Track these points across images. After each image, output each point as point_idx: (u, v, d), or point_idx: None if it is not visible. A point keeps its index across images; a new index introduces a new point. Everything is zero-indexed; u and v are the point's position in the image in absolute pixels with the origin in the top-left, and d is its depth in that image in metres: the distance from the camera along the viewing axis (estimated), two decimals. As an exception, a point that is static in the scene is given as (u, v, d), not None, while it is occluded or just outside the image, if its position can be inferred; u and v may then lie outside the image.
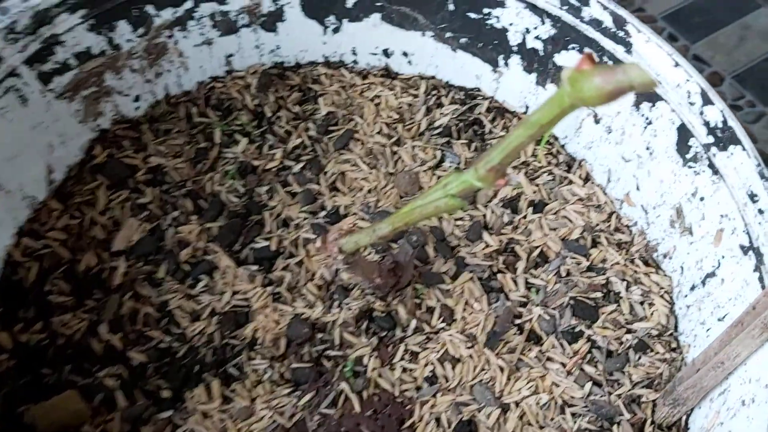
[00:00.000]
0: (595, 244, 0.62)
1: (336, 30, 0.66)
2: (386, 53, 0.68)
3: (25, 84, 0.55)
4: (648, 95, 0.53)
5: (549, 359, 0.57)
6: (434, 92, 0.69)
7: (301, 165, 0.66)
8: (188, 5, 0.60)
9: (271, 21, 0.65)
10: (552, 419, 0.54)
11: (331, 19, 0.65)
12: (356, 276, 0.53)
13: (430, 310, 0.59)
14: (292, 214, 0.63)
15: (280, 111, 0.68)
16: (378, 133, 0.68)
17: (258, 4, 0.63)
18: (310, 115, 0.68)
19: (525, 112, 0.67)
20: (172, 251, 0.61)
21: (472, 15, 0.61)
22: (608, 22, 0.53)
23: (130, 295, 0.58)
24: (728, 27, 1.39)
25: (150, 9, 0.59)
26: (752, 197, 0.47)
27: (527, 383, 0.56)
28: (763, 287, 0.46)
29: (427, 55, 0.67)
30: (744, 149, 0.47)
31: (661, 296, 0.58)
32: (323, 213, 0.63)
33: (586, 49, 0.46)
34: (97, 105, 0.62)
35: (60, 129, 0.60)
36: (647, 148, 0.57)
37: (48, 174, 0.61)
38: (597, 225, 0.62)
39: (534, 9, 0.57)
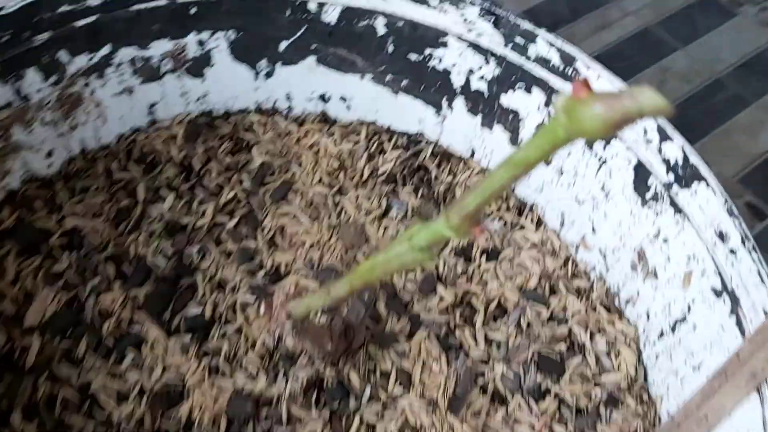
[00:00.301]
0: (553, 291, 0.58)
1: (268, 74, 0.62)
2: (323, 98, 0.64)
3: None
4: (603, 134, 0.51)
5: (516, 421, 0.53)
6: (376, 138, 0.65)
7: (235, 221, 0.60)
8: (105, 50, 0.55)
9: (198, 66, 0.60)
10: (524, 487, 0.50)
11: (263, 62, 0.61)
12: (305, 343, 0.47)
13: (386, 375, 0.54)
14: (228, 275, 0.58)
15: (210, 163, 0.63)
16: (318, 182, 0.63)
17: (183, 48, 0.58)
18: (243, 166, 0.63)
19: (471, 156, 0.64)
20: (94, 324, 0.54)
21: (413, 56, 0.58)
22: (556, 59, 0.51)
23: (46, 377, 0.51)
24: (648, 70, 1.43)
25: (62, 55, 0.53)
26: (721, 237, 0.44)
27: (495, 449, 0.51)
28: (742, 332, 0.43)
29: (366, 99, 0.63)
30: (708, 186, 0.45)
31: (628, 345, 0.55)
32: (262, 272, 0.58)
33: (578, 78, 0.43)
34: (3, 163, 0.55)
35: (-41, 191, 0.53)
36: (602, 189, 0.54)
37: (-55, 243, 0.53)
38: (554, 271, 0.59)
39: (477, 49, 0.55)
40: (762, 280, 0.42)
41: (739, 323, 0.43)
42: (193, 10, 0.56)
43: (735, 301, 0.44)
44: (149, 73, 0.59)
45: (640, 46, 1.46)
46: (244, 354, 0.54)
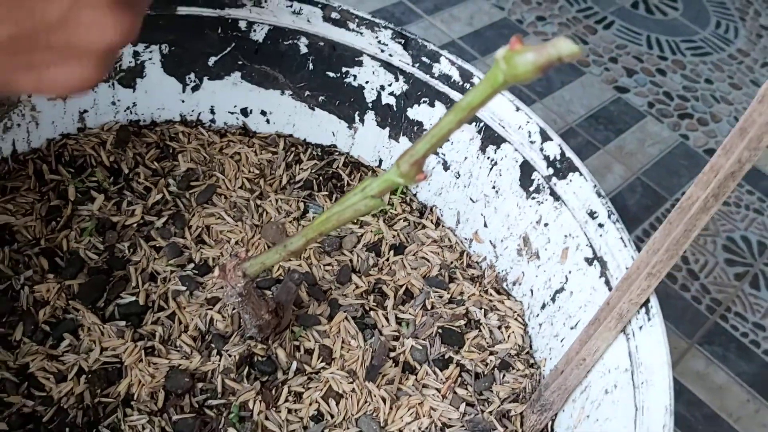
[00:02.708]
0: (452, 279, 0.67)
1: (195, 88, 0.68)
2: (244, 112, 0.71)
3: None
4: (493, 138, 0.61)
5: (425, 386, 0.60)
6: (293, 149, 0.73)
7: (163, 220, 0.65)
8: (47, 57, 0.59)
9: (130, 77, 0.65)
10: (435, 441, 0.57)
11: (192, 76, 0.67)
12: (246, 310, 0.53)
13: (309, 352, 0.60)
14: (159, 268, 0.62)
15: (138, 167, 0.67)
16: (240, 187, 0.69)
17: (118, 59, 0.63)
18: (170, 171, 0.68)
19: (379, 166, 0.72)
20: (30, 311, 0.57)
21: (331, 74, 0.67)
22: (456, 76, 0.61)
23: (-18, 361, 0.53)
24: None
25: (6, 57, 0.57)
26: (592, 214, 0.55)
27: (408, 410, 0.58)
28: (610, 289, 0.53)
29: (285, 114, 0.70)
30: (581, 174, 0.55)
31: (515, 319, 0.65)
32: (191, 265, 0.63)
33: (516, 35, 0.52)
34: (-63, 158, 0.57)
35: None
36: (493, 187, 0.64)
37: None
38: (451, 263, 0.68)
39: (389, 67, 0.64)
40: (624, 245, 0.53)
41: (607, 282, 0.54)
42: (130, 25, 0.62)
43: (603, 265, 0.54)
44: (85, 80, 0.63)
45: (552, 69, 1.63)
46: (178, 336, 0.58)
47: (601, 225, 0.54)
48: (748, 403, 1.18)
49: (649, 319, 0.49)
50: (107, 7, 0.29)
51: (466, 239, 0.69)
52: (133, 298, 0.60)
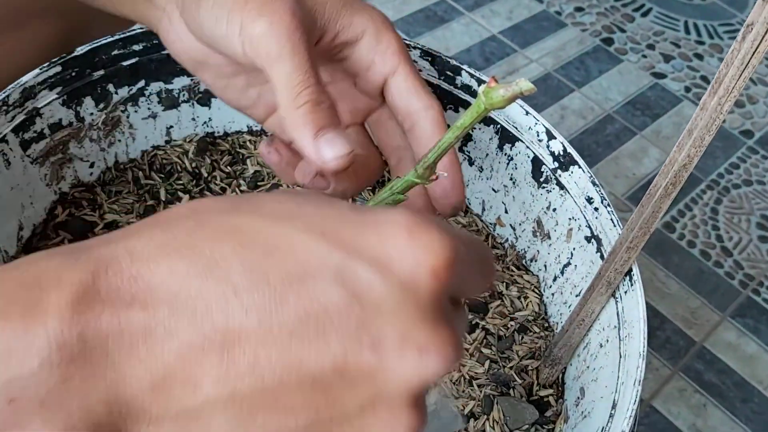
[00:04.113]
0: (479, 258, 0.79)
1: (259, 103, 0.81)
2: (300, 121, 0.84)
3: (10, 149, 0.65)
4: (509, 138, 0.72)
5: (456, 347, 0.72)
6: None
7: (236, 214, 0.79)
8: (141, 84, 0.73)
9: (206, 97, 0.79)
10: (464, 390, 0.69)
11: (256, 94, 0.80)
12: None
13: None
14: (234, 253, 0.76)
15: (215, 171, 0.81)
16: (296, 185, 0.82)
17: (197, 83, 0.77)
18: (240, 174, 0.82)
19: (414, 162, 0.85)
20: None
21: (371, 87, 0.79)
22: (476, 86, 0.73)
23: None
24: (549, 108, 1.69)
25: (110, 87, 0.71)
26: (589, 200, 0.66)
27: (441, 367, 0.71)
28: (603, 261, 0.64)
29: (334, 121, 0.83)
30: (580, 167, 0.66)
31: (532, 290, 0.76)
32: (260, 251, 0.76)
33: (492, 76, 0.63)
34: (60, 170, 0.72)
35: (31, 191, 0.69)
36: (511, 179, 0.75)
37: (18, 231, 0.70)
38: (479, 244, 0.80)
39: (419, 80, 0.76)
40: (614, 225, 0.63)
41: (602, 256, 0.65)
42: (205, 55, 0.75)
43: (599, 242, 0.65)
44: (170, 102, 0.77)
45: (542, 89, 1.72)
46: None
47: (596, 209, 0.65)
48: (778, 370, 1.26)
49: (631, 285, 0.60)
50: (406, 406, 0.27)
51: (491, 224, 0.81)
52: (215, 279, 0.73)
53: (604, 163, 1.58)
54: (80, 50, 0.67)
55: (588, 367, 0.65)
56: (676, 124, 1.67)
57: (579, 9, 1.89)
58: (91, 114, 0.72)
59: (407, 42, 0.74)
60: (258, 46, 0.46)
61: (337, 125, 0.46)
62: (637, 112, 1.68)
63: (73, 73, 0.68)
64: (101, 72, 0.70)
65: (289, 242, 0.27)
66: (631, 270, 0.60)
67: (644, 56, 1.80)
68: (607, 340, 0.62)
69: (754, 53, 0.46)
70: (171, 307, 0.26)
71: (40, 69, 0.65)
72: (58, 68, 0.66)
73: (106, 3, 0.60)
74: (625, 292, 0.60)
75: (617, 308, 0.61)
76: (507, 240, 0.80)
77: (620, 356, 0.59)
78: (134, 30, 0.70)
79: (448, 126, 0.47)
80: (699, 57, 1.82)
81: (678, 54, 1.82)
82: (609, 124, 1.66)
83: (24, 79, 0.64)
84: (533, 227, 0.75)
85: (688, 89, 1.74)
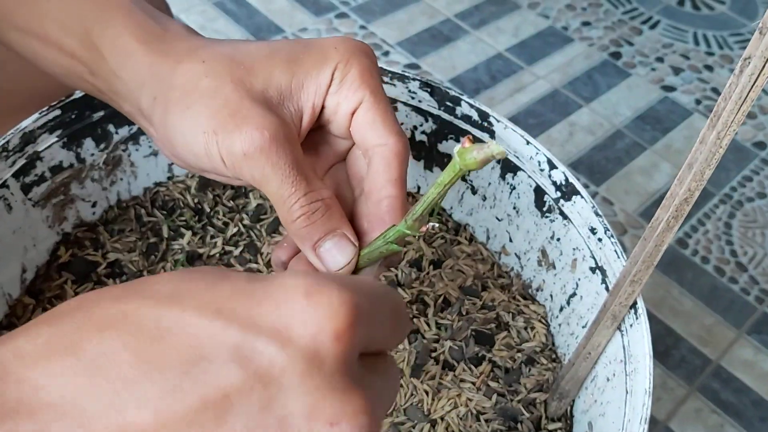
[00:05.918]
0: (484, 288, 0.78)
1: (260, 137, 0.81)
2: (302, 154, 0.83)
3: (11, 194, 0.65)
4: (511, 167, 0.72)
5: (462, 380, 0.71)
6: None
7: (240, 249, 0.79)
8: (141, 124, 0.73)
9: (207, 133, 0.79)
10: (470, 426, 0.68)
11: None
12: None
13: (363, 353, 0.72)
14: (238, 289, 0.75)
15: (217, 206, 0.81)
16: (301, 217, 0.82)
17: (197, 120, 0.77)
18: (243, 207, 0.82)
19: (417, 191, 0.84)
20: (139, 329, 0.71)
21: (371, 119, 0.78)
22: (475, 116, 0.72)
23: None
24: (558, 125, 1.68)
25: (111, 127, 0.71)
26: (592, 231, 0.65)
27: (448, 401, 0.70)
28: (608, 292, 0.63)
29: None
30: (582, 197, 0.66)
31: (539, 321, 0.75)
32: (264, 286, 0.76)
33: (467, 136, 0.63)
34: (62, 211, 0.72)
35: (33, 233, 0.70)
36: (514, 208, 0.75)
37: (22, 273, 0.70)
38: (484, 273, 0.79)
39: (418, 110, 0.75)
40: (618, 256, 0.62)
41: (607, 288, 0.64)
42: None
43: (603, 273, 0.64)
44: (171, 139, 0.77)
45: (550, 105, 1.71)
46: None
47: (600, 239, 0.64)
48: (796, 389, 1.23)
49: (636, 318, 0.58)
50: None
51: (495, 252, 0.80)
52: (219, 316, 0.73)
53: (615, 180, 1.57)
54: (79, 93, 0.67)
55: (596, 401, 0.63)
56: (686, 138, 1.65)
57: (586, 23, 1.88)
58: (92, 155, 0.72)
59: (404, 74, 0.74)
60: (241, 170, 0.44)
61: (336, 227, 0.46)
62: (647, 127, 1.66)
63: (73, 116, 0.68)
64: (101, 113, 0.70)
65: (181, 324, 0.26)
66: (636, 303, 0.59)
67: (653, 69, 1.79)
68: (614, 374, 0.61)
69: (752, 87, 0.45)
70: (58, 410, 0.24)
71: (40, 113, 0.65)
72: (58, 111, 0.67)
73: (111, 102, 0.58)
74: (631, 325, 0.59)
75: (623, 342, 0.60)
76: (512, 269, 0.79)
77: (626, 392, 0.57)
78: (133, 70, 0.70)
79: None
80: (709, 68, 1.80)
81: (687, 66, 1.80)
82: (619, 139, 1.64)
83: (24, 124, 0.64)
84: (538, 257, 0.74)
85: (698, 101, 1.72)
